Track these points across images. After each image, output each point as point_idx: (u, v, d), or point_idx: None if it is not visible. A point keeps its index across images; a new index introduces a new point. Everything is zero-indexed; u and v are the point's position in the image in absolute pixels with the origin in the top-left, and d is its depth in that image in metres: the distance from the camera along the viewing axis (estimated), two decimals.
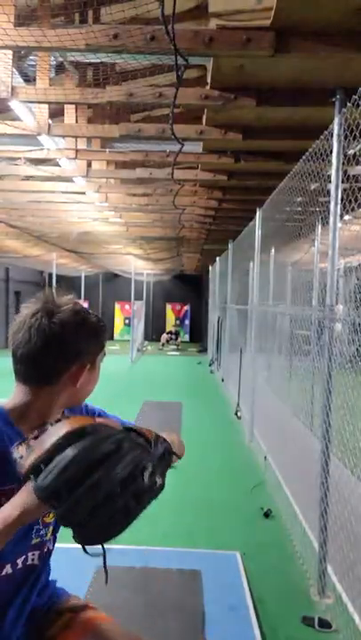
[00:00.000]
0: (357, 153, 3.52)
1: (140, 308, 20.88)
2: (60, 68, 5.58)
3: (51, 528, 1.31)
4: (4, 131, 5.78)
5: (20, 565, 1.22)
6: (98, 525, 0.98)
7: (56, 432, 0.99)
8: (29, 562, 1.25)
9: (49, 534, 1.30)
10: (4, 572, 1.19)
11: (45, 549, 1.30)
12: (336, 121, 3.30)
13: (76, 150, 6.65)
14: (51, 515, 1.27)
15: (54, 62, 5.31)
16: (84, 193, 8.80)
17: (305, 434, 5.49)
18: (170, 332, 23.04)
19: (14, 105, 4.89)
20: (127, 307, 22.78)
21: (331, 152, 3.42)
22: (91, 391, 1.28)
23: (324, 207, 3.82)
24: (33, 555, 1.26)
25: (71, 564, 4.05)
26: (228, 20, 3.64)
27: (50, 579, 1.42)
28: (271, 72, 4.04)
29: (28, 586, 1.28)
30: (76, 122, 6.15)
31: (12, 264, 19.01)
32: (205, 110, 5.09)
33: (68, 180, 8.06)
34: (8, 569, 1.20)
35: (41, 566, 1.30)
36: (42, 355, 1.15)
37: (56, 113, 6.35)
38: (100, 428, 1.02)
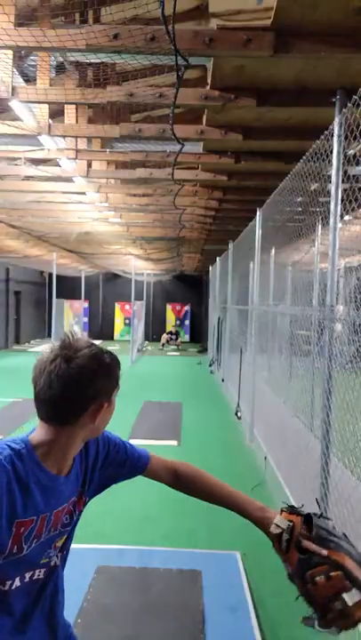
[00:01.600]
0: (358, 153, 3.52)
1: (141, 309, 20.87)
2: (60, 68, 5.57)
3: (58, 549, 1.41)
4: (5, 131, 5.78)
5: (27, 579, 1.33)
6: None
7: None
8: (35, 577, 1.35)
9: (56, 554, 1.41)
10: (14, 586, 1.30)
11: (52, 563, 1.40)
12: (336, 121, 3.30)
13: (77, 150, 6.65)
14: (63, 539, 1.39)
15: (54, 62, 5.31)
16: (84, 193, 8.80)
17: (305, 434, 5.49)
18: (170, 333, 23.03)
19: (14, 105, 4.89)
20: (127, 307, 22.78)
21: (331, 152, 3.42)
22: (107, 423, 1.39)
23: (325, 207, 3.82)
24: (39, 571, 1.36)
25: (72, 565, 4.03)
26: (228, 20, 3.63)
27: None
28: (271, 72, 4.04)
29: (34, 595, 1.38)
30: (77, 122, 6.15)
31: (13, 264, 19.01)
32: (206, 110, 5.09)
33: (69, 180, 8.06)
34: (17, 582, 1.31)
35: (45, 578, 1.39)
36: (62, 399, 1.24)
37: (56, 113, 6.35)
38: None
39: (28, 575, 1.33)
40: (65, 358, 1.24)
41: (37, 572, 1.35)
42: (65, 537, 1.40)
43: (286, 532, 1.27)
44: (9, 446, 1.26)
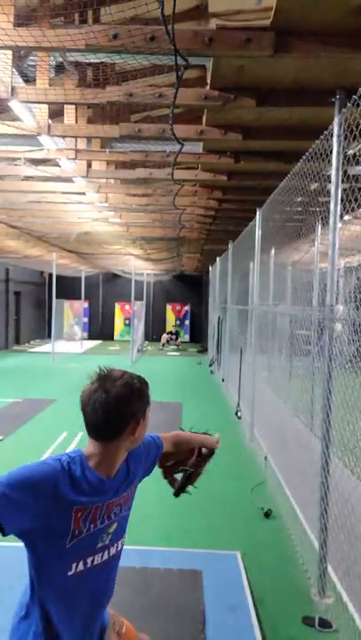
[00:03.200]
0: (357, 153, 3.52)
1: (141, 309, 20.87)
2: (59, 68, 5.58)
3: (111, 535, 1.70)
4: (4, 131, 5.78)
5: (88, 565, 1.64)
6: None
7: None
8: (96, 562, 1.66)
9: (110, 540, 1.71)
10: (78, 570, 1.62)
11: (109, 552, 1.71)
12: (336, 121, 3.30)
13: (76, 150, 6.65)
14: (113, 526, 1.69)
15: (54, 62, 5.31)
16: (83, 193, 8.80)
17: (305, 434, 5.49)
18: (170, 333, 23.03)
19: (14, 105, 4.89)
20: (127, 307, 22.78)
21: (331, 152, 3.42)
22: (145, 434, 1.73)
23: (324, 207, 3.82)
24: (98, 556, 1.67)
25: None
26: (227, 20, 3.64)
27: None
28: (271, 72, 4.04)
29: (95, 578, 1.69)
30: (76, 122, 6.15)
31: (13, 264, 19.00)
32: (205, 110, 5.08)
33: (68, 180, 8.06)
34: (80, 566, 1.62)
35: (102, 564, 1.69)
36: (105, 423, 1.58)
37: (56, 113, 6.35)
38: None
39: (89, 560, 1.64)
40: (104, 389, 1.57)
41: (97, 557, 1.66)
42: (116, 524, 1.70)
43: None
44: (67, 454, 1.61)
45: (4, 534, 1.45)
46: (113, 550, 1.72)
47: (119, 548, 1.76)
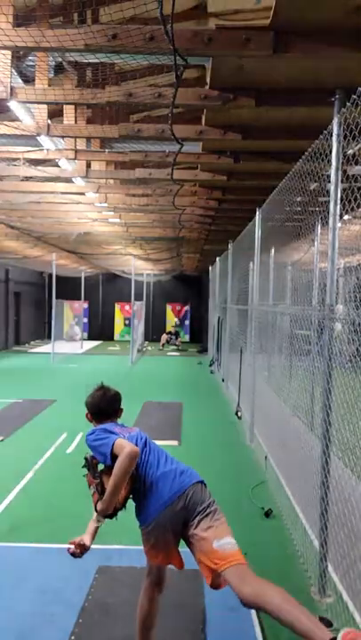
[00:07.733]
0: (357, 153, 3.52)
1: (140, 309, 20.87)
2: (58, 69, 5.58)
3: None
4: (4, 131, 5.78)
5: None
6: None
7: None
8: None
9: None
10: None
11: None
12: (335, 121, 3.29)
13: (76, 151, 6.65)
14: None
15: (53, 63, 5.31)
16: (83, 193, 8.80)
17: (305, 433, 5.49)
18: (170, 333, 23.01)
19: (13, 105, 4.89)
20: (127, 307, 22.78)
21: (330, 152, 3.42)
22: None
23: (324, 207, 3.82)
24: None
25: (73, 565, 4.02)
26: (227, 19, 3.64)
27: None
28: (270, 72, 4.04)
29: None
30: (76, 122, 6.15)
31: (12, 265, 19.00)
32: (205, 110, 5.08)
33: (68, 180, 8.06)
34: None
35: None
36: (113, 407, 2.96)
37: (55, 113, 6.35)
38: None
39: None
40: (105, 392, 2.93)
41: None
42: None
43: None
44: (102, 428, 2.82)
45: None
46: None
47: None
